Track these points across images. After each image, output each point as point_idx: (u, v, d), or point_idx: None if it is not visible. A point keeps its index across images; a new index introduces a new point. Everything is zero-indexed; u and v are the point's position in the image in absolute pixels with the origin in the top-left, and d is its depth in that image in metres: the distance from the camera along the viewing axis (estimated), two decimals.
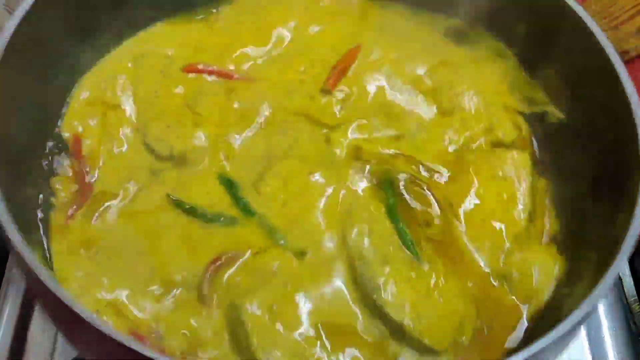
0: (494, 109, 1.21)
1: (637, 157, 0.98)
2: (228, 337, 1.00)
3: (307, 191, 1.10)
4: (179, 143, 1.13)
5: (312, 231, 1.07)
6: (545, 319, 1.03)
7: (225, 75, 1.21)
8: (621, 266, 0.93)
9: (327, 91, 1.20)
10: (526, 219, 1.11)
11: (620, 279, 1.24)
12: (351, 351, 0.99)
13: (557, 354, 0.96)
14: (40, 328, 1.15)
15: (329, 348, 0.99)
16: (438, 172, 1.14)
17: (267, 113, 1.18)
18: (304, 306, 1.01)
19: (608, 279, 0.90)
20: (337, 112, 1.19)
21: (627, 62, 1.42)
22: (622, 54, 1.41)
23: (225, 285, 1.02)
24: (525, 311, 1.05)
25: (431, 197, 1.11)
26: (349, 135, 1.16)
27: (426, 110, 1.21)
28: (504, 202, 1.12)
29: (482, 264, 1.07)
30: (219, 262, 1.03)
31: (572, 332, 0.87)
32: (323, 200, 1.09)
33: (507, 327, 1.04)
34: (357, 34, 1.28)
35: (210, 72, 1.21)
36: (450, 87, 1.22)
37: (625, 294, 1.23)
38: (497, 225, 1.10)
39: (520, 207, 1.12)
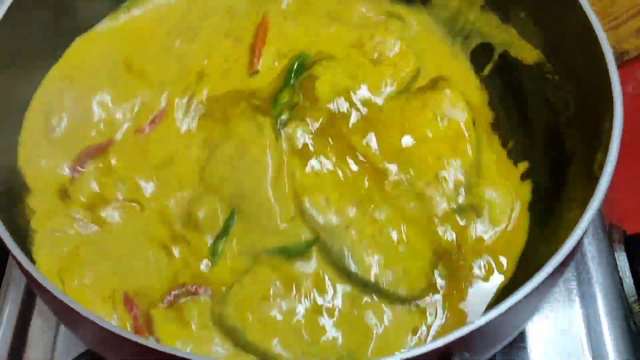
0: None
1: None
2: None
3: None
4: None
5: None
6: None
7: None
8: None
9: (255, 72, 1.23)
10: (475, 152, 1.15)
11: (620, 279, 1.24)
12: None
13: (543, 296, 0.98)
14: (40, 328, 1.15)
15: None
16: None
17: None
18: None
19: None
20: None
21: (627, 62, 1.42)
22: (622, 54, 1.41)
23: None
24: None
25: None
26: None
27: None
28: (450, 139, 1.16)
29: (444, 204, 1.11)
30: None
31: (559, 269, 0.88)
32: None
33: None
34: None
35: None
36: (371, 38, 1.25)
37: (625, 294, 1.23)
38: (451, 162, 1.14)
39: (467, 143, 1.16)
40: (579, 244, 0.90)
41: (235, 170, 1.11)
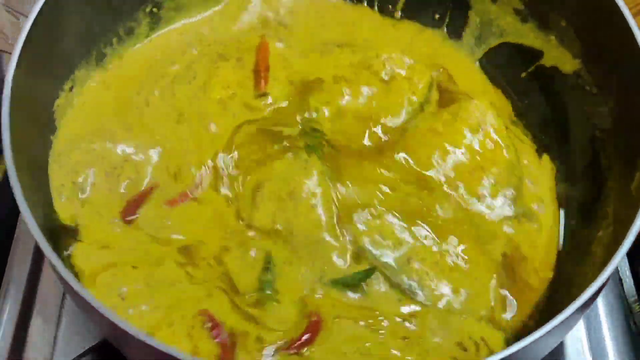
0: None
1: None
2: None
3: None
4: None
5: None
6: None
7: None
8: None
9: (262, 95, 1.22)
10: (514, 157, 1.16)
11: (620, 279, 1.24)
12: None
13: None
14: (40, 328, 1.15)
15: None
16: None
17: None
18: None
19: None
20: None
21: None
22: None
23: None
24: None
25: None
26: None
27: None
28: (488, 149, 1.15)
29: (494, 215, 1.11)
30: None
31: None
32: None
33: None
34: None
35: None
36: (377, 56, 1.24)
37: (625, 294, 1.23)
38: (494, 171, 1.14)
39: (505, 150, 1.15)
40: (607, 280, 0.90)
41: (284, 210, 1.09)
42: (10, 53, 1.03)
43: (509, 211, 1.13)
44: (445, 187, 1.12)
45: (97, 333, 1.06)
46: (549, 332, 0.84)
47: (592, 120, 1.15)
